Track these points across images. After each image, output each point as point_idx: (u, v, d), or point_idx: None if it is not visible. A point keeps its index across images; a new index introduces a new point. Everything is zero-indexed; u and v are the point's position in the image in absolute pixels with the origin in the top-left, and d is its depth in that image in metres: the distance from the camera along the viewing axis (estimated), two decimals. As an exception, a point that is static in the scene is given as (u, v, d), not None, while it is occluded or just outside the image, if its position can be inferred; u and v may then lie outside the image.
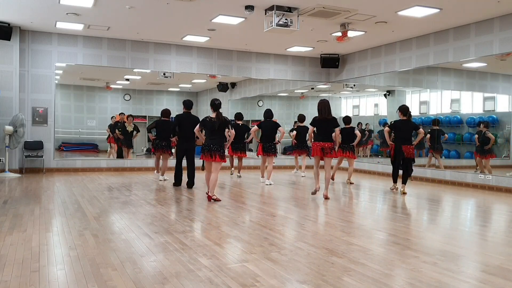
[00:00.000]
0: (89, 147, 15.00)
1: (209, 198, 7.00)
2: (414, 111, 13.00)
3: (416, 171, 10.76)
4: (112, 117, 13.64)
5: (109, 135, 13.18)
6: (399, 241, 4.69)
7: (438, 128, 11.07)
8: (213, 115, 7.04)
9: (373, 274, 3.51)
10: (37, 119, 10.90)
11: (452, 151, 11.50)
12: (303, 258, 3.94)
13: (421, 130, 8.31)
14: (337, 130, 7.69)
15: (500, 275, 3.57)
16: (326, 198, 7.40)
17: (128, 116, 12.23)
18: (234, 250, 4.22)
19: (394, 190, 8.55)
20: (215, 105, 7.06)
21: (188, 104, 8.72)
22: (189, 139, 8.59)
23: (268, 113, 9.71)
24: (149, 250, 4.11)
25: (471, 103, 11.78)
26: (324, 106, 7.49)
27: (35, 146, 10.84)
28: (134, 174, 11.14)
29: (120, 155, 12.42)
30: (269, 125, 9.65)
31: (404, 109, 8.34)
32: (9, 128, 10.05)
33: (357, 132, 9.75)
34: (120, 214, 5.89)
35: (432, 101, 12.04)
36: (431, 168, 10.74)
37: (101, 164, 11.82)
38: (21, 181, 9.27)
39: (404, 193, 8.14)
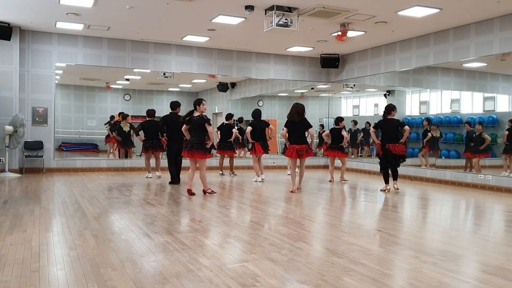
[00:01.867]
0: (89, 147, 15.00)
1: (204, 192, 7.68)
2: (414, 111, 13.03)
3: (416, 171, 10.77)
4: (111, 116, 13.64)
5: (108, 134, 13.17)
6: (399, 241, 4.69)
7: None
8: (197, 113, 7.55)
9: (373, 274, 3.51)
10: (37, 119, 10.90)
11: (452, 151, 11.50)
12: (303, 258, 3.94)
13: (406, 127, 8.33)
14: (311, 130, 8.22)
15: (500, 275, 3.57)
16: (298, 189, 8.25)
17: (127, 115, 12.26)
18: (234, 250, 4.22)
19: (386, 191, 8.41)
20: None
21: (175, 105, 9.22)
22: (178, 140, 9.02)
23: (257, 113, 10.16)
24: (149, 250, 4.11)
25: (471, 103, 11.77)
26: (296, 108, 8.02)
27: (35, 146, 10.84)
28: (134, 174, 11.14)
29: (122, 155, 12.40)
30: (260, 125, 10.11)
31: (391, 107, 8.43)
32: (9, 128, 10.05)
33: (344, 133, 9.96)
34: (120, 214, 5.89)
35: (432, 101, 12.04)
36: (431, 168, 10.73)
37: (101, 164, 11.82)
38: (21, 181, 9.27)
39: (397, 190, 8.31)
